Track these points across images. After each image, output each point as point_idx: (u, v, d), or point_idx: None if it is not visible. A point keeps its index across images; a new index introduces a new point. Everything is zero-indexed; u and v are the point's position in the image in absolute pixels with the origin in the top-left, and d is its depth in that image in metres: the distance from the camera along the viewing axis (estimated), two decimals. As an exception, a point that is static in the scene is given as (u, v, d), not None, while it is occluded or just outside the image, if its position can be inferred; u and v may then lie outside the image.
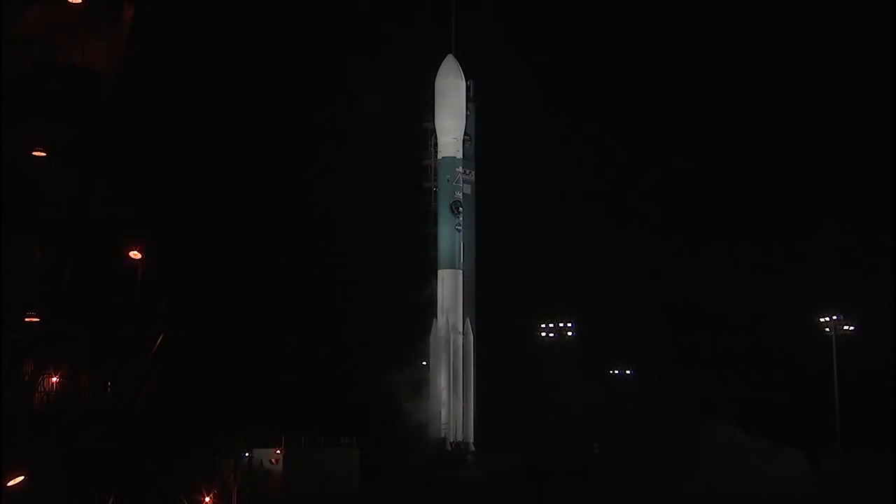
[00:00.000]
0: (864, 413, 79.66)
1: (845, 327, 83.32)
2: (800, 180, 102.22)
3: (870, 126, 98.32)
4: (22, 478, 32.70)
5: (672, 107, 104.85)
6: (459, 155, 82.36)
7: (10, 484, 32.42)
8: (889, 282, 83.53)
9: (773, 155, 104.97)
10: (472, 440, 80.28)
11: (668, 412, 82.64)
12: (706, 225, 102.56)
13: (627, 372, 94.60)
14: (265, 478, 67.66)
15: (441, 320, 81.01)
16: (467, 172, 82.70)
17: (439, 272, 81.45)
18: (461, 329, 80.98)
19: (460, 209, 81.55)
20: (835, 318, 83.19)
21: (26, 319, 34.36)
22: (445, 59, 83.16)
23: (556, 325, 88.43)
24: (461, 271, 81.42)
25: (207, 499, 41.30)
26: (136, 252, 36.68)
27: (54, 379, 36.40)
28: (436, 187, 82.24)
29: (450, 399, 79.78)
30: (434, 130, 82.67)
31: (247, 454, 67.20)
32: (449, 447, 79.01)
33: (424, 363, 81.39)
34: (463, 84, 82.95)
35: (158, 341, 37.40)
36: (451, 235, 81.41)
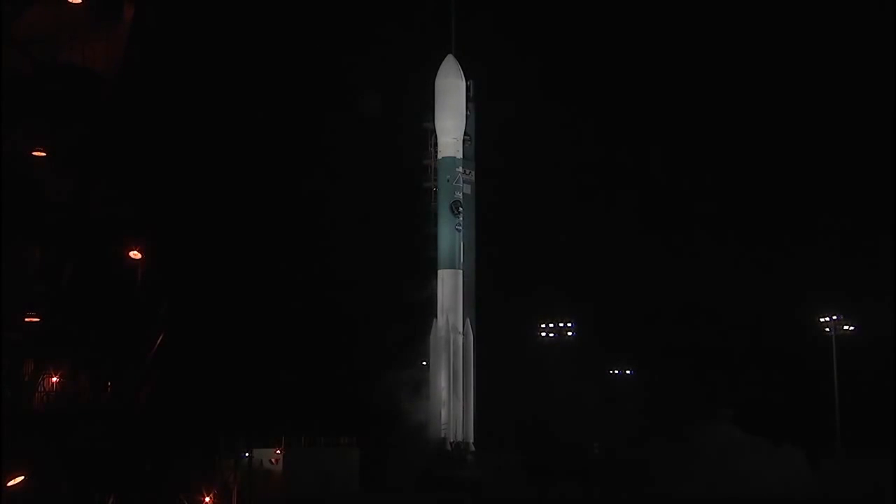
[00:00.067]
0: (864, 413, 79.66)
1: (845, 327, 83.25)
2: (800, 180, 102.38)
3: (870, 126, 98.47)
4: (22, 478, 32.70)
5: (672, 107, 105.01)
6: (459, 155, 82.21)
7: (10, 484, 32.42)
8: (889, 282, 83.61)
9: (772, 155, 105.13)
10: (472, 440, 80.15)
11: (668, 412, 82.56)
12: (706, 225, 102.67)
13: (627, 372, 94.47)
14: (265, 478, 67.67)
15: (441, 320, 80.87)
16: (467, 172, 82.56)
17: (439, 272, 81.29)
18: (461, 329, 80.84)
19: (460, 209, 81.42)
20: (835, 318, 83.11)
21: (26, 319, 34.37)
22: (445, 59, 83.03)
23: (556, 325, 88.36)
24: (461, 271, 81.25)
25: (207, 499, 41.33)
26: (136, 252, 36.69)
27: (54, 379, 36.40)
28: (436, 187, 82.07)
29: (450, 399, 79.66)
30: (434, 130, 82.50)
31: (247, 454, 67.26)
32: (449, 447, 78.89)
33: (424, 363, 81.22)
34: (463, 84, 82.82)
35: (158, 341, 37.40)
36: (451, 235, 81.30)
